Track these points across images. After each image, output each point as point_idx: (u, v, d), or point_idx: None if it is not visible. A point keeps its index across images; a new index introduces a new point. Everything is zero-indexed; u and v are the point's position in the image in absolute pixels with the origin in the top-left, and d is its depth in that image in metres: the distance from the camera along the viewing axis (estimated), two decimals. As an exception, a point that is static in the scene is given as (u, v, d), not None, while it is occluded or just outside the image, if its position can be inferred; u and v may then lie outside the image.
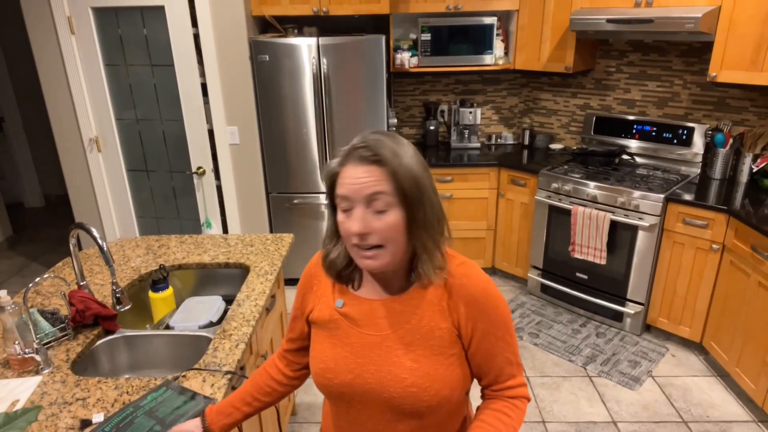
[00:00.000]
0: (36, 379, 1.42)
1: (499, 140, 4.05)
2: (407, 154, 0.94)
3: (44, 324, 1.57)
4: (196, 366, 1.44)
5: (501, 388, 1.06)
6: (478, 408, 1.08)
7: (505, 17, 3.64)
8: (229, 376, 1.40)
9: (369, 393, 1.01)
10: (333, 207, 1.00)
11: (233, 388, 1.45)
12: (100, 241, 1.57)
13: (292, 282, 3.78)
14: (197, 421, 1.17)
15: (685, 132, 3.17)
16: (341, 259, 1.04)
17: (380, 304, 1.03)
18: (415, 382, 0.97)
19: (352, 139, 0.97)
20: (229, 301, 1.92)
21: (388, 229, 0.93)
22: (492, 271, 3.87)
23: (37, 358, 1.44)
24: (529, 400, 1.08)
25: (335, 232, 1.03)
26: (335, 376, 1.03)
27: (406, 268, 1.02)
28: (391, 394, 0.99)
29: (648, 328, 3.15)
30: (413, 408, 0.99)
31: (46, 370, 1.45)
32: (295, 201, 3.57)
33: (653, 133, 3.30)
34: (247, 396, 1.20)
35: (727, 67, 2.70)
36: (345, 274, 1.06)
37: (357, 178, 0.91)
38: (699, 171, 3.16)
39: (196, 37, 3.17)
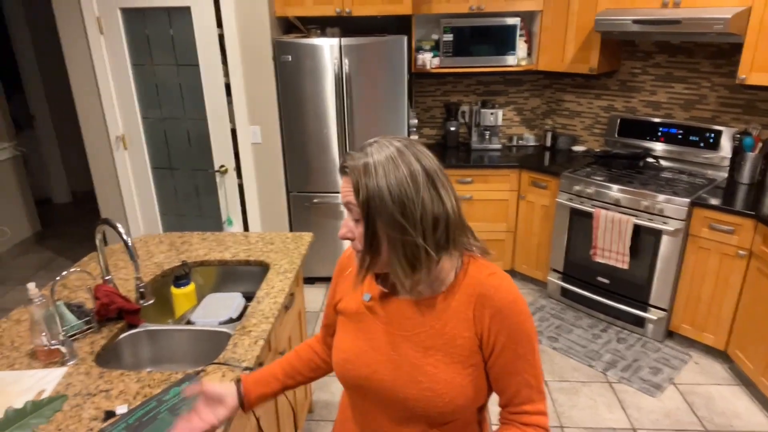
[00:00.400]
0: (61, 370, 1.46)
1: (520, 142, 4.02)
2: (386, 167, 0.91)
3: (70, 317, 1.61)
4: (216, 361, 1.46)
5: (517, 412, 1.02)
6: None
7: (528, 18, 3.61)
8: (248, 372, 1.42)
9: (384, 390, 1.01)
10: None
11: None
12: (125, 237, 1.60)
13: (310, 281, 3.81)
14: (232, 386, 1.16)
15: (713, 135, 3.10)
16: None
17: (407, 304, 1.03)
18: (431, 387, 0.97)
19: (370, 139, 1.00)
20: (249, 297, 1.94)
21: (359, 237, 0.96)
22: (511, 273, 3.84)
23: (63, 349, 1.48)
24: (547, 430, 1.02)
25: None
26: (353, 368, 1.04)
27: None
28: (405, 394, 0.99)
29: (670, 334, 3.09)
30: (425, 412, 0.98)
31: (72, 362, 1.49)
32: (315, 200, 3.59)
33: (679, 136, 3.24)
34: (289, 368, 1.21)
35: (758, 69, 2.64)
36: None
37: (343, 186, 0.97)
38: (726, 175, 3.09)
39: (221, 37, 3.22)
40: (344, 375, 1.07)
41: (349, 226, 0.98)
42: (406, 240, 0.92)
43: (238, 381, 1.18)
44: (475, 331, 0.99)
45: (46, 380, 1.42)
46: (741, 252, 2.62)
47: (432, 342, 0.99)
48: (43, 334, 1.47)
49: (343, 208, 3.55)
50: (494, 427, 1.10)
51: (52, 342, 1.47)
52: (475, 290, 0.99)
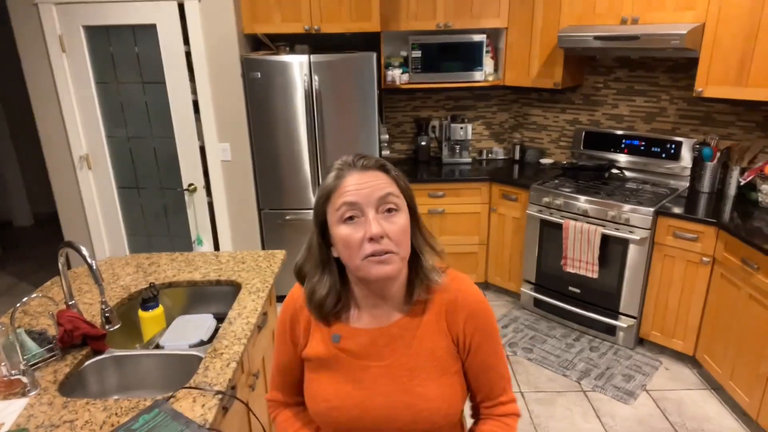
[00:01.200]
0: (22, 402, 1.39)
1: (490, 155, 4.08)
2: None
3: (31, 345, 1.54)
4: (187, 385, 1.42)
5: (493, 404, 1.06)
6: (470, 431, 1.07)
7: (494, 35, 3.69)
8: (219, 396, 1.38)
9: (378, 424, 0.99)
10: (322, 235, 0.98)
11: (225, 408, 1.43)
12: (89, 260, 1.55)
13: (284, 299, 3.75)
14: None
15: (673, 146, 3.21)
16: (332, 294, 1.00)
17: (379, 333, 1.01)
18: (425, 407, 0.97)
19: (342, 156, 0.99)
20: (220, 319, 1.89)
21: (400, 231, 0.93)
22: (485, 285, 3.87)
23: (24, 379, 1.41)
24: (519, 416, 1.08)
25: (321, 262, 1.00)
26: (341, 414, 0.99)
27: (404, 280, 1.01)
28: (404, 421, 0.97)
29: (641, 341, 3.15)
30: (423, 430, 0.98)
31: (33, 392, 1.42)
32: (288, 217, 3.56)
33: (642, 148, 3.34)
34: None
35: (713, 82, 2.75)
36: (334, 312, 1.02)
37: (365, 182, 0.91)
38: (688, 184, 3.19)
39: (188, 54, 3.18)
40: (333, 423, 1.01)
41: (381, 223, 0.91)
42: (423, 229, 0.99)
43: None
44: (451, 338, 1.01)
45: (5, 413, 1.35)
46: (705, 259, 2.70)
47: (415, 363, 0.99)
48: (3, 364, 1.40)
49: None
50: (470, 422, 1.11)
51: (13, 372, 1.40)
52: (443, 298, 1.01)
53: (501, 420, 1.05)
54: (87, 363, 1.61)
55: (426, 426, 0.97)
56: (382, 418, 0.98)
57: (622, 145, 3.42)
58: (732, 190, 2.99)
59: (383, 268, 0.92)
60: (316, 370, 1.04)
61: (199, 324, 1.85)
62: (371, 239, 0.90)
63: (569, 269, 3.16)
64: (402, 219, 0.93)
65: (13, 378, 1.40)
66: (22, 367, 1.42)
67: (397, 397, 0.98)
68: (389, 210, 0.92)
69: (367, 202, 0.90)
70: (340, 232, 0.92)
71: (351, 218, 0.91)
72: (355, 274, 0.97)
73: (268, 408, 1.21)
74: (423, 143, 3.95)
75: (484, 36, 3.54)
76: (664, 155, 3.25)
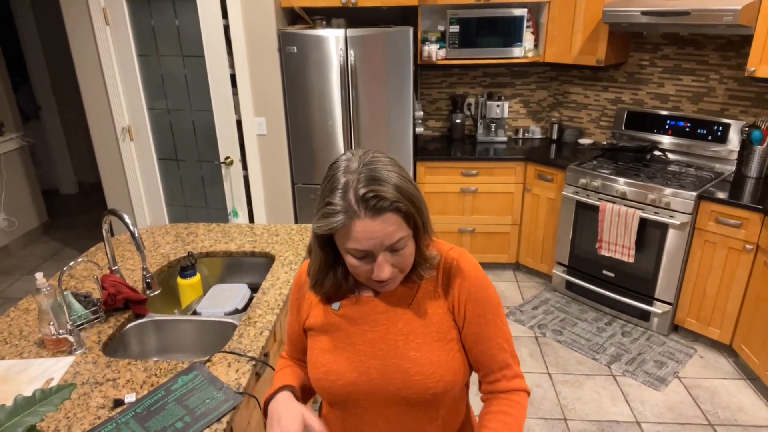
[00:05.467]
0: (69, 359, 1.47)
1: (526, 134, 4.00)
2: (396, 174, 0.91)
3: (77, 306, 1.62)
4: (222, 350, 1.47)
5: (495, 379, 1.05)
6: (479, 415, 1.07)
7: (535, 9, 3.58)
8: (253, 362, 1.43)
9: (375, 389, 1.01)
10: (322, 246, 0.98)
11: (257, 375, 1.48)
12: (131, 228, 1.61)
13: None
14: (298, 408, 1.04)
15: (721, 128, 3.07)
16: (335, 288, 1.05)
17: (377, 301, 1.04)
18: (419, 371, 0.98)
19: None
20: (254, 289, 1.95)
21: (406, 259, 0.96)
22: (516, 266, 3.84)
23: (71, 339, 1.49)
24: (528, 393, 1.07)
25: (323, 269, 1.02)
26: (339, 378, 1.02)
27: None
28: (396, 386, 1.00)
29: (676, 328, 3.09)
30: (419, 397, 0.99)
31: (79, 351, 1.50)
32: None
33: (687, 129, 3.22)
34: (305, 379, 1.17)
35: (767, 61, 2.61)
36: (336, 294, 1.06)
37: (375, 232, 0.88)
38: (734, 169, 3.06)
39: (226, 28, 3.20)
40: (330, 387, 1.03)
41: (389, 261, 0.93)
42: (428, 221, 0.98)
43: (292, 389, 1.10)
44: (447, 306, 1.03)
45: (54, 369, 1.43)
46: (748, 246, 2.60)
47: (410, 327, 1.01)
48: (51, 323, 1.48)
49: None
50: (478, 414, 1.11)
51: (60, 331, 1.48)
52: (440, 266, 1.03)
53: (506, 397, 1.04)
54: (129, 326, 1.68)
55: (419, 391, 0.98)
56: (377, 383, 1.00)
57: (666, 126, 3.30)
58: (782, 176, 2.86)
59: (386, 287, 0.99)
60: (317, 337, 1.07)
61: (235, 293, 1.91)
62: (378, 280, 0.95)
63: (604, 252, 3.10)
64: (409, 249, 0.95)
65: (60, 337, 1.49)
66: (69, 327, 1.50)
67: (391, 362, 1.00)
68: (397, 249, 0.93)
69: (377, 250, 0.91)
70: (349, 259, 0.95)
71: (361, 257, 0.93)
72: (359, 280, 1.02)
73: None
74: (458, 121, 3.90)
75: (525, 10, 3.44)
76: (710, 137, 3.12)
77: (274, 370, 1.47)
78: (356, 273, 0.97)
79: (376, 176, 0.88)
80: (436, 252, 1.03)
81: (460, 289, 1.02)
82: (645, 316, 3.10)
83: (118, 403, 1.29)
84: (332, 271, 1.03)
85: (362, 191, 0.87)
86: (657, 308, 3.02)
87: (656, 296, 3.02)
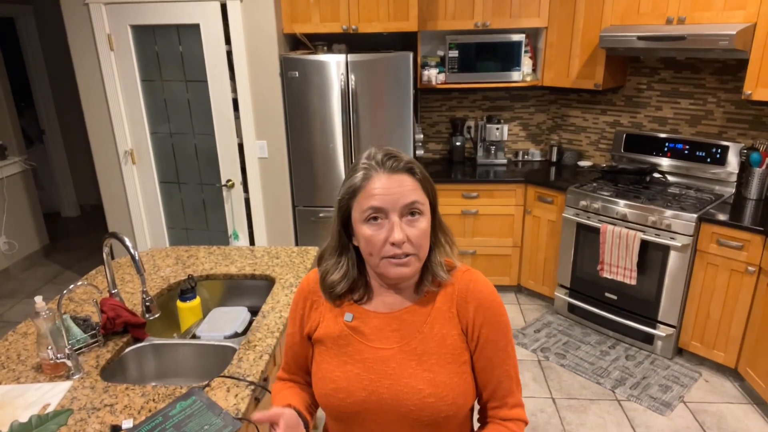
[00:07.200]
0: (67, 384, 1.45)
1: (526, 157, 4.02)
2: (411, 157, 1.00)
3: (76, 330, 1.61)
4: (221, 375, 1.45)
5: (498, 405, 1.04)
6: None
7: (533, 34, 3.64)
8: (252, 387, 1.41)
9: (385, 409, 0.99)
10: (344, 224, 1.01)
11: (257, 399, 1.46)
12: (132, 251, 1.61)
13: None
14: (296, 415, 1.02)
15: (719, 150, 3.09)
16: (346, 280, 1.03)
17: (391, 318, 1.03)
18: (433, 393, 0.97)
19: (372, 147, 1.02)
20: (254, 312, 1.94)
21: (421, 235, 0.96)
22: (518, 289, 3.82)
23: (69, 363, 1.48)
24: (526, 423, 1.06)
25: (337, 248, 1.03)
26: (348, 396, 1.00)
27: (418, 277, 1.03)
28: (408, 407, 0.98)
29: (680, 351, 3.05)
30: (431, 419, 0.98)
31: (77, 376, 1.49)
32: (321, 215, 3.60)
33: (686, 152, 3.23)
34: (308, 398, 1.14)
35: (763, 84, 2.64)
36: (345, 295, 1.05)
37: (391, 188, 0.93)
38: (734, 191, 3.07)
39: (229, 53, 3.26)
40: (338, 405, 1.01)
41: (404, 228, 0.94)
42: (440, 226, 1.02)
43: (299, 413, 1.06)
44: (460, 327, 1.01)
45: (51, 394, 1.42)
46: (750, 268, 2.59)
47: (424, 348, 1.00)
48: (49, 347, 1.47)
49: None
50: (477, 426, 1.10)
51: (58, 355, 1.47)
52: (455, 287, 1.02)
53: (504, 425, 1.03)
54: (127, 350, 1.67)
55: (432, 413, 0.97)
56: (388, 402, 0.98)
57: (665, 149, 3.32)
58: (782, 198, 2.87)
59: (401, 270, 0.96)
60: (325, 351, 1.05)
61: (234, 316, 1.89)
62: (393, 243, 0.94)
63: (606, 275, 3.09)
64: (424, 223, 0.96)
65: (58, 361, 1.47)
66: (67, 351, 1.49)
67: (404, 382, 0.98)
68: (412, 213, 0.95)
69: (392, 208, 0.93)
70: (364, 231, 0.96)
71: (375, 218, 0.95)
72: (373, 269, 1.01)
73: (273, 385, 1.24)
74: (458, 143, 3.93)
75: (523, 36, 3.49)
76: (709, 160, 3.14)
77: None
78: (371, 250, 0.96)
79: (394, 151, 0.99)
80: (451, 270, 1.04)
81: (476, 312, 1.00)
82: (649, 339, 3.07)
83: (116, 429, 1.27)
84: (346, 256, 1.03)
85: (380, 156, 0.97)
86: (660, 331, 2.99)
87: (659, 319, 2.99)
